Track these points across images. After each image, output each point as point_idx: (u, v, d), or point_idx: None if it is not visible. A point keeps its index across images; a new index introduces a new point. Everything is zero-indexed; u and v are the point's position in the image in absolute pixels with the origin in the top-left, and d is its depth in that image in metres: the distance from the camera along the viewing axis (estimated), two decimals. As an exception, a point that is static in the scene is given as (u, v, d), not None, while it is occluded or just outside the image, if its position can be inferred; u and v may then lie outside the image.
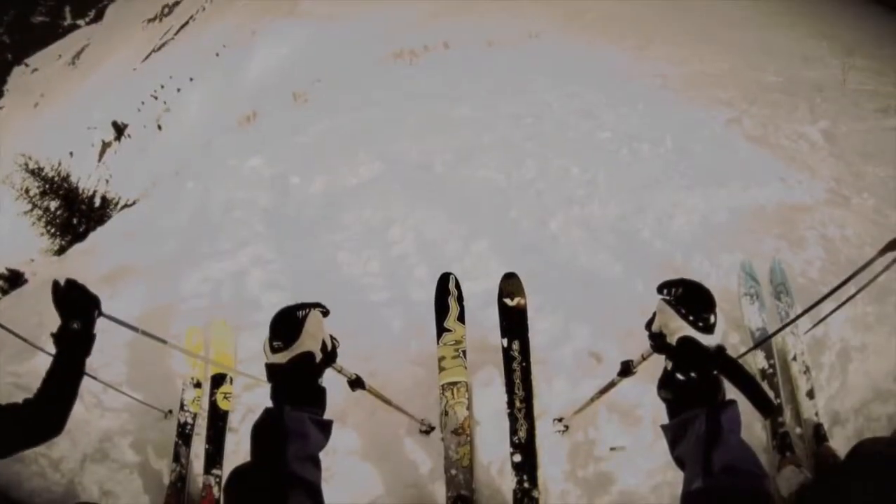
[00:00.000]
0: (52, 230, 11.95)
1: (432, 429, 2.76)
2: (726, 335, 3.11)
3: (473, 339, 2.92)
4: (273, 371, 1.29)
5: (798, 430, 2.52)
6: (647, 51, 8.44)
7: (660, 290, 1.37)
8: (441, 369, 2.74)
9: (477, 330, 3.03)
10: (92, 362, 3.42)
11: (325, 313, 1.40)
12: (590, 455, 2.65)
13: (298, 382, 1.29)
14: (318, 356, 1.33)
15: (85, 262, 5.28)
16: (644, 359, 1.82)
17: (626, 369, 2.05)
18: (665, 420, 1.32)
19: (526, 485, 2.51)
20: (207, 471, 2.99)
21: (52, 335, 1.94)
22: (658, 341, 1.34)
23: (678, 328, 1.25)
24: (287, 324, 1.30)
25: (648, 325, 1.43)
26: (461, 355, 2.76)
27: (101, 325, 3.29)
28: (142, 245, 5.16)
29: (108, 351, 3.44)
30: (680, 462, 1.24)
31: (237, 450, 3.01)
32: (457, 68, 8.72)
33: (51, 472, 3.34)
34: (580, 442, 2.70)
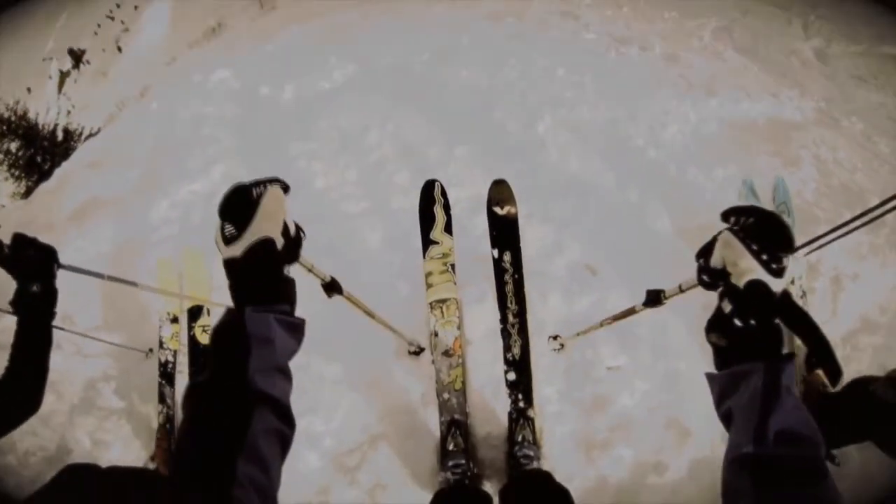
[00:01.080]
0: (17, 172, 11.47)
1: (422, 350, 2.64)
2: None
3: (462, 251, 2.75)
4: (230, 267, 1.06)
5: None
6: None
7: (725, 216, 1.13)
8: (428, 286, 2.58)
9: (466, 240, 2.87)
10: (66, 308, 3.31)
11: (286, 189, 1.14)
12: (587, 375, 2.58)
13: (259, 276, 1.06)
14: (280, 242, 1.09)
15: (51, 202, 5.02)
16: (682, 291, 1.57)
17: (656, 299, 1.77)
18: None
19: (521, 404, 2.44)
20: None
21: (10, 303, 1.73)
22: (715, 278, 1.12)
23: (748, 269, 1.03)
24: (239, 205, 1.06)
25: (702, 255, 1.19)
26: (450, 269, 2.60)
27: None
28: (107, 176, 4.89)
29: (81, 294, 3.29)
30: (726, 420, 1.07)
31: None
32: None
33: (41, 428, 3.35)
34: (576, 361, 2.62)
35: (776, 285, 1.02)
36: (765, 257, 1.02)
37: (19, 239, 1.74)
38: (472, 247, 2.86)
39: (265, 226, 1.05)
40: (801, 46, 4.80)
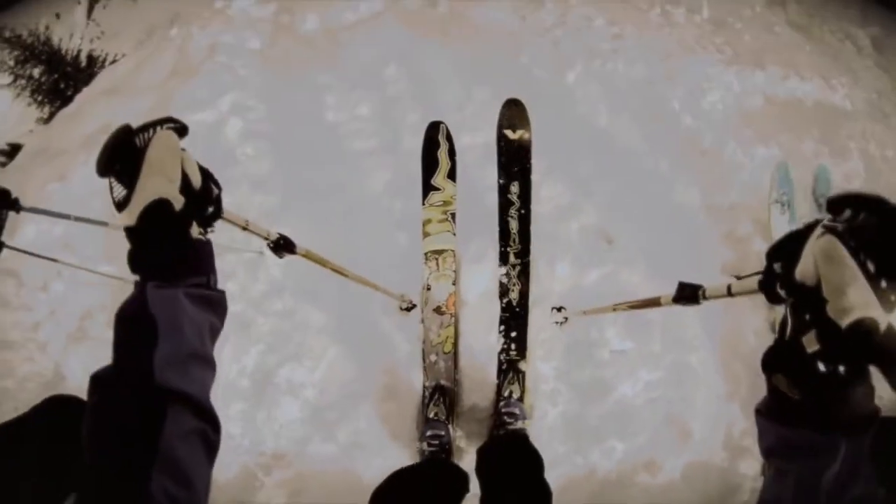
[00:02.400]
0: (40, 98, 11.46)
1: (413, 306, 2.44)
2: (751, 239, 2.81)
3: (468, 203, 2.53)
4: (128, 234, 0.85)
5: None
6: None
7: (832, 207, 0.72)
8: (425, 234, 2.37)
9: (473, 192, 2.64)
10: (67, 237, 3.20)
11: (181, 131, 0.91)
12: (588, 356, 2.38)
13: (160, 244, 0.86)
14: (179, 202, 0.86)
15: (68, 127, 4.94)
16: (731, 295, 1.20)
17: (692, 296, 1.34)
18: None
19: (513, 353, 2.27)
20: None
21: None
22: (798, 297, 0.73)
23: (859, 303, 0.63)
24: (123, 156, 0.84)
25: (780, 256, 0.79)
26: (450, 219, 2.38)
27: (76, 195, 2.99)
28: (122, 103, 4.75)
29: (81, 225, 3.23)
30: (769, 458, 0.84)
31: None
32: None
33: (39, 355, 3.33)
34: (579, 340, 2.41)
35: (884, 320, 0.64)
36: (885, 283, 0.65)
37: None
38: (479, 199, 2.64)
39: (155, 182, 0.84)
40: (858, 32, 4.50)
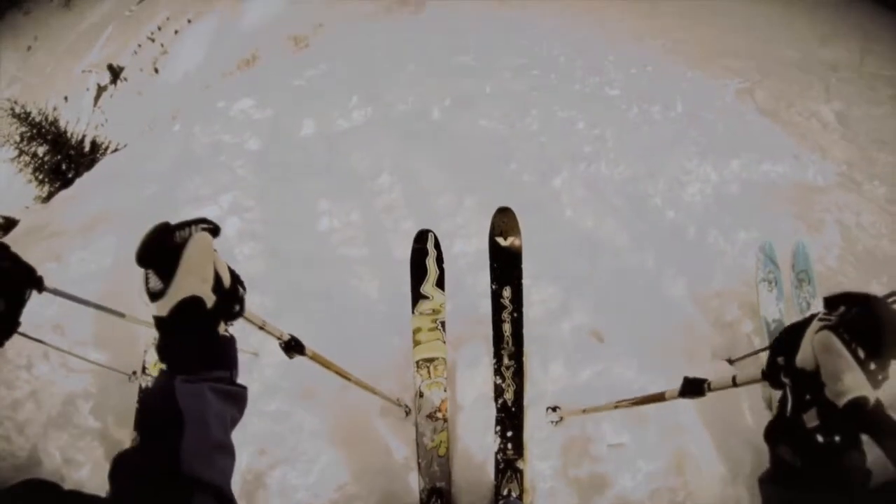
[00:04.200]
0: (41, 176, 11.66)
1: (409, 410, 2.48)
2: (739, 322, 2.90)
3: (460, 309, 2.63)
4: (158, 325, 0.91)
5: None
6: (657, 16, 8.04)
7: (829, 304, 0.87)
8: (416, 343, 2.43)
9: (466, 297, 2.75)
10: (58, 318, 3.23)
11: (215, 231, 0.96)
12: (585, 452, 2.39)
13: (190, 339, 0.91)
14: (210, 300, 0.92)
15: (67, 209, 5.02)
16: (736, 385, 1.30)
17: (697, 389, 1.48)
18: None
19: (510, 453, 2.29)
20: None
21: None
22: (801, 382, 0.87)
23: (853, 385, 0.79)
24: (161, 251, 0.90)
25: (783, 351, 0.92)
26: (439, 327, 2.44)
27: (71, 277, 3.03)
28: (123, 190, 4.89)
29: (74, 307, 3.26)
30: None
31: None
32: (463, 20, 8.31)
33: (15, 435, 3.25)
34: (575, 436, 2.43)
35: (873, 396, 0.80)
36: (873, 366, 0.80)
37: (3, 249, 1.66)
38: (472, 305, 2.73)
39: (190, 281, 0.90)
40: (823, 109, 4.80)
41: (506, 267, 2.46)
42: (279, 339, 1.47)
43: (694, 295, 3.05)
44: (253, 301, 2.91)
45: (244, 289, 1.04)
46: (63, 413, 3.21)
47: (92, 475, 2.77)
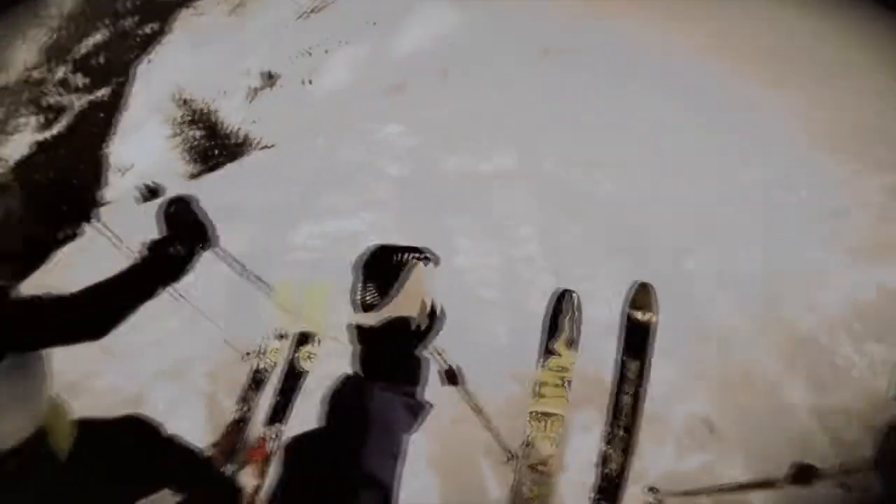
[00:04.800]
0: (192, 156, 12.88)
1: (512, 457, 2.49)
2: (860, 445, 2.61)
3: (585, 372, 2.61)
4: (360, 333, 0.98)
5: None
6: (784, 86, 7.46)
7: None
8: (538, 395, 2.43)
9: (591, 362, 2.71)
10: (194, 284, 3.52)
11: (436, 262, 1.03)
12: None
13: (392, 352, 0.98)
14: (417, 322, 0.99)
15: (210, 190, 5.43)
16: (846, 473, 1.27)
17: (805, 476, 1.48)
18: None
19: None
20: (269, 423, 2.94)
21: (146, 244, 1.77)
22: None
23: None
24: (382, 271, 0.98)
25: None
26: (565, 385, 2.44)
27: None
28: (266, 186, 5.22)
29: (210, 277, 3.41)
30: None
31: (303, 413, 2.94)
32: (607, 75, 8.24)
33: (131, 374, 3.68)
34: None
35: None
36: None
37: (188, 201, 1.84)
38: (593, 370, 2.72)
39: (407, 303, 0.97)
40: None
41: (637, 341, 2.45)
42: (443, 367, 1.57)
43: (812, 406, 2.85)
44: None
45: (444, 316, 1.09)
46: (178, 368, 3.50)
47: (190, 430, 2.84)
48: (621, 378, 2.41)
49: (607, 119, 5.37)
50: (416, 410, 0.98)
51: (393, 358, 0.98)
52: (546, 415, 2.39)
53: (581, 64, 8.99)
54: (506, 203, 3.96)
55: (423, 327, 1.01)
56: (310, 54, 15.38)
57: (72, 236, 2.45)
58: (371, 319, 0.95)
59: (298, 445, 0.89)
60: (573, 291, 2.60)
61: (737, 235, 3.92)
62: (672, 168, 4.57)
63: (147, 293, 1.73)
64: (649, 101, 5.85)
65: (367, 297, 0.96)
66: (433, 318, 1.04)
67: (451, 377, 1.64)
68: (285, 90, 14.52)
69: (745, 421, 2.74)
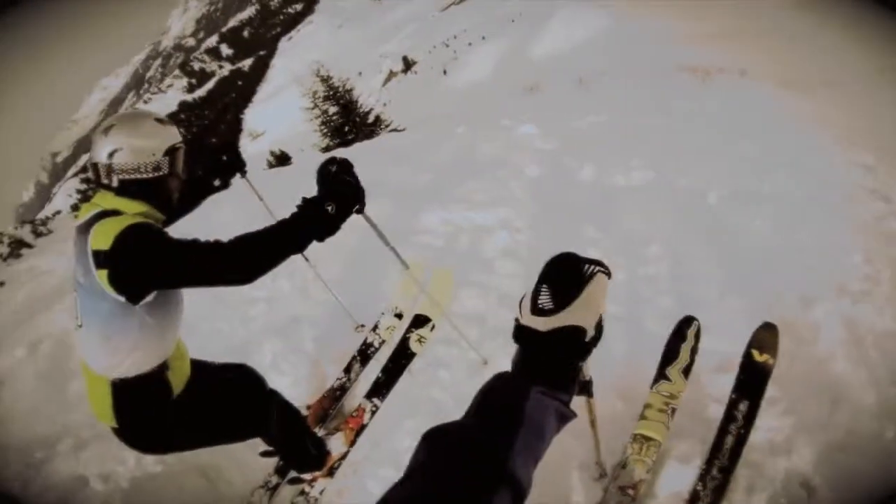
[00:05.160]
0: (325, 130, 13.67)
1: (607, 476, 2.49)
2: None
3: (691, 403, 2.56)
4: (527, 337, 0.99)
5: None
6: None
7: None
8: (642, 417, 2.43)
9: (699, 395, 2.66)
10: (317, 250, 3.72)
11: (609, 275, 1.03)
12: None
13: (556, 360, 0.98)
14: (590, 335, 0.99)
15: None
16: None
17: None
18: None
19: None
20: (368, 397, 3.02)
21: (303, 201, 1.86)
22: None
23: None
24: (566, 278, 0.98)
25: None
26: (669, 412, 2.41)
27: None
28: (397, 167, 5.34)
29: (335, 245, 3.65)
30: None
31: (403, 393, 3.01)
32: (749, 102, 7.83)
33: (239, 324, 3.85)
34: None
35: None
36: None
37: (347, 165, 1.98)
38: (702, 404, 2.65)
39: (585, 314, 0.98)
40: None
41: (752, 382, 2.39)
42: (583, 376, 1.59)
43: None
44: (502, 315, 3.04)
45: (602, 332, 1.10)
46: (287, 327, 3.62)
47: (290, 388, 3.02)
48: (728, 416, 2.36)
49: (756, 148, 5.14)
50: (565, 419, 0.99)
51: (558, 365, 0.99)
52: (646, 438, 2.37)
53: (726, 87, 8.62)
54: (637, 219, 3.88)
55: (591, 339, 1.01)
56: (447, 45, 15.80)
57: (223, 186, 2.69)
58: (544, 324, 0.97)
59: (442, 435, 0.89)
60: (697, 320, 2.57)
61: (872, 293, 3.67)
62: (820, 211, 4.33)
63: (297, 247, 1.83)
64: (796, 138, 5.55)
65: (543, 302, 0.98)
66: (599, 330, 1.04)
67: (587, 388, 1.64)
68: (420, 77, 14.99)
69: (850, 491, 2.59)
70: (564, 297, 0.97)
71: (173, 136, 2.00)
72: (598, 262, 1.02)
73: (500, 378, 0.98)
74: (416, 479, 0.84)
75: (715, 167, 4.62)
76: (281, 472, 2.96)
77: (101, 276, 1.75)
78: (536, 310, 0.98)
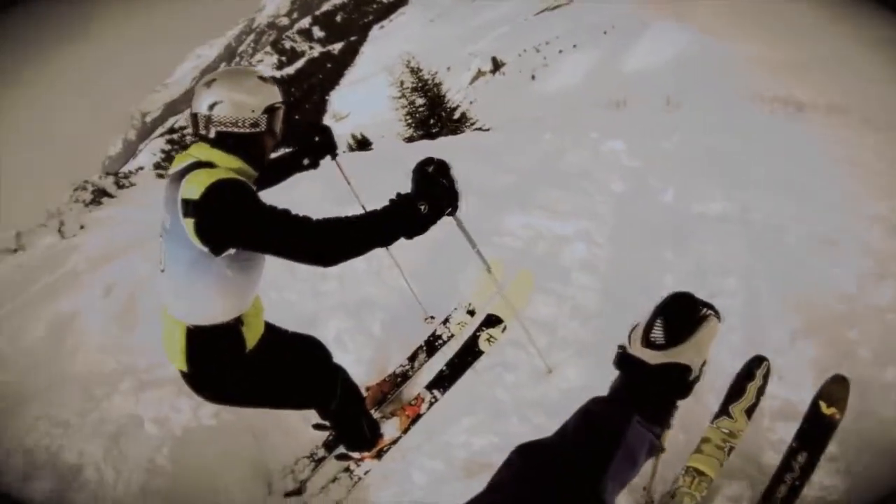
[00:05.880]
0: (410, 121, 13.89)
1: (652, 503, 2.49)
2: None
3: (747, 445, 2.52)
4: (633, 367, 1.01)
5: None
6: None
7: None
8: (697, 450, 2.41)
9: (758, 437, 2.62)
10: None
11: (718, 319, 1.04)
12: None
13: (663, 394, 1.00)
14: (694, 375, 1.00)
15: (418, 156, 5.71)
16: None
17: None
18: None
19: None
20: (429, 388, 3.05)
21: (397, 196, 1.85)
22: None
23: None
24: (682, 316, 1.00)
25: None
26: (727, 450, 2.39)
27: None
28: (479, 166, 5.33)
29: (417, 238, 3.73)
30: None
31: (465, 389, 3.03)
32: (836, 141, 7.37)
33: (310, 297, 3.93)
34: None
35: None
36: None
37: (445, 167, 1.94)
38: (759, 448, 2.61)
39: (694, 354, 1.00)
40: None
41: (815, 434, 2.33)
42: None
43: None
44: (570, 330, 3.04)
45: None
46: (358, 308, 3.67)
47: (352, 367, 3.00)
48: (785, 465, 2.32)
49: (837, 193, 4.93)
50: (655, 451, 1.02)
51: (660, 399, 1.01)
52: (699, 472, 2.35)
53: (810, 121, 8.23)
54: (715, 249, 3.78)
55: (694, 379, 1.02)
56: (537, 50, 15.86)
57: (312, 166, 2.76)
58: (653, 358, 1.00)
59: (538, 451, 0.92)
60: (768, 360, 2.53)
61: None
62: (893, 269, 4.13)
63: (384, 241, 1.82)
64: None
65: (656, 336, 1.01)
66: (701, 372, 1.05)
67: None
68: (508, 79, 15.06)
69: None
70: (677, 335, 0.99)
71: (274, 95, 2.04)
72: (711, 306, 1.05)
73: (598, 402, 1.01)
74: (508, 492, 0.86)
75: (797, 206, 4.46)
76: (329, 446, 3.03)
77: (188, 224, 1.78)
78: (648, 342, 1.01)
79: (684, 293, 1.04)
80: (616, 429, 0.94)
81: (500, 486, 0.88)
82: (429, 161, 1.95)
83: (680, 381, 0.99)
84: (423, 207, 1.79)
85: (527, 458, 0.91)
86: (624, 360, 1.04)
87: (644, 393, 1.00)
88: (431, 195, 1.84)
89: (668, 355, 0.99)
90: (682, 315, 1.01)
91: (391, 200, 1.83)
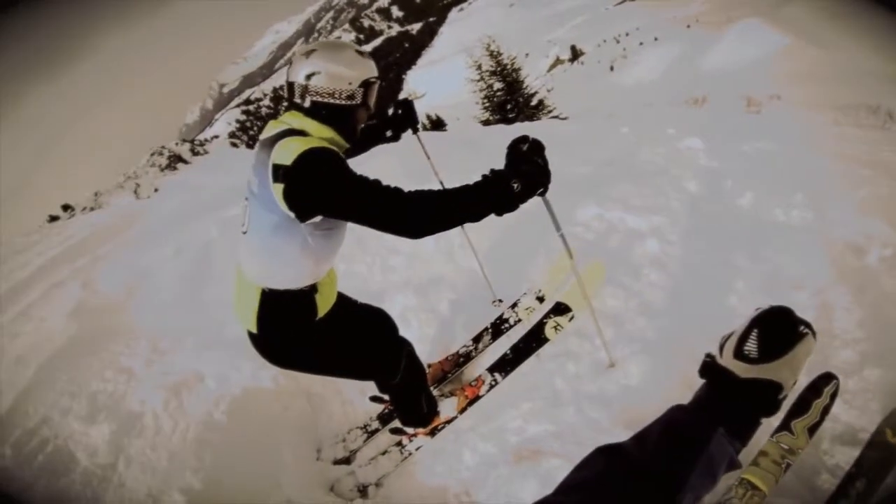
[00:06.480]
0: (487, 104, 13.85)
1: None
2: None
3: (803, 465, 2.49)
4: (722, 379, 1.01)
5: None
6: None
7: None
8: (753, 463, 2.33)
9: (814, 459, 2.58)
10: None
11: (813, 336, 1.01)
12: None
13: (751, 410, 1.00)
14: (784, 394, 1.00)
15: (500, 142, 5.71)
16: None
17: None
18: None
19: None
20: (490, 370, 3.05)
21: (491, 173, 1.84)
22: None
23: None
24: (779, 331, 0.98)
25: None
26: (784, 467, 2.30)
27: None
28: (558, 156, 5.27)
29: (493, 217, 3.75)
30: None
31: (526, 375, 3.03)
32: None
33: (366, 278, 4.02)
34: None
35: None
36: None
37: (539, 146, 1.93)
38: (815, 469, 2.55)
39: (787, 373, 0.98)
40: None
41: (877, 462, 2.26)
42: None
43: None
44: (636, 327, 3.03)
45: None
46: (426, 285, 3.76)
47: (415, 342, 3.03)
48: (841, 491, 2.23)
49: None
50: (733, 466, 1.02)
51: (747, 414, 1.01)
52: (752, 486, 2.28)
53: None
54: (789, 260, 3.64)
55: (783, 398, 1.02)
56: (617, 41, 15.60)
57: (394, 139, 2.82)
58: (744, 371, 0.99)
59: (619, 455, 0.94)
60: (837, 379, 2.43)
61: None
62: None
63: (475, 216, 1.80)
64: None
65: (750, 349, 0.99)
66: (790, 391, 1.05)
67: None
68: (586, 69, 14.85)
69: None
70: (772, 350, 0.98)
71: (371, 69, 2.05)
72: (809, 325, 1.02)
73: (681, 410, 1.02)
74: (587, 493, 0.88)
75: (884, 226, 4.25)
76: (384, 419, 3.10)
77: (277, 189, 1.80)
78: (740, 355, 0.99)
79: (782, 307, 1.01)
80: (700, 440, 0.95)
81: (580, 486, 0.90)
82: (523, 139, 1.95)
83: (770, 398, 0.99)
84: (516, 186, 1.78)
85: (609, 462, 0.93)
86: (712, 369, 1.03)
87: (731, 406, 1.00)
88: (525, 174, 1.82)
89: (761, 370, 0.97)
90: (778, 330, 0.99)
91: (484, 176, 1.82)
